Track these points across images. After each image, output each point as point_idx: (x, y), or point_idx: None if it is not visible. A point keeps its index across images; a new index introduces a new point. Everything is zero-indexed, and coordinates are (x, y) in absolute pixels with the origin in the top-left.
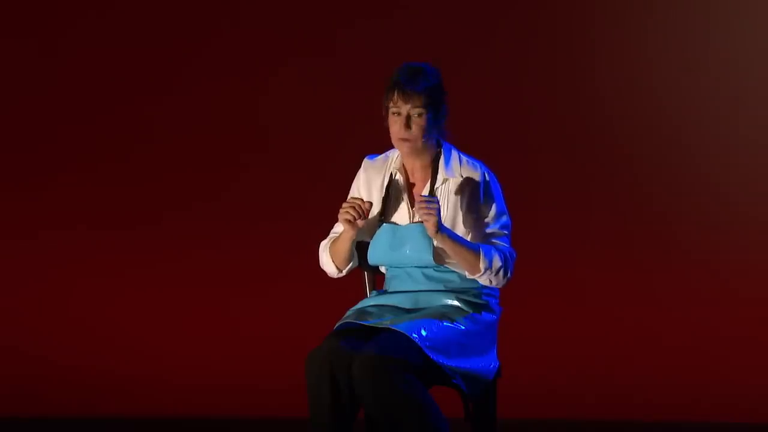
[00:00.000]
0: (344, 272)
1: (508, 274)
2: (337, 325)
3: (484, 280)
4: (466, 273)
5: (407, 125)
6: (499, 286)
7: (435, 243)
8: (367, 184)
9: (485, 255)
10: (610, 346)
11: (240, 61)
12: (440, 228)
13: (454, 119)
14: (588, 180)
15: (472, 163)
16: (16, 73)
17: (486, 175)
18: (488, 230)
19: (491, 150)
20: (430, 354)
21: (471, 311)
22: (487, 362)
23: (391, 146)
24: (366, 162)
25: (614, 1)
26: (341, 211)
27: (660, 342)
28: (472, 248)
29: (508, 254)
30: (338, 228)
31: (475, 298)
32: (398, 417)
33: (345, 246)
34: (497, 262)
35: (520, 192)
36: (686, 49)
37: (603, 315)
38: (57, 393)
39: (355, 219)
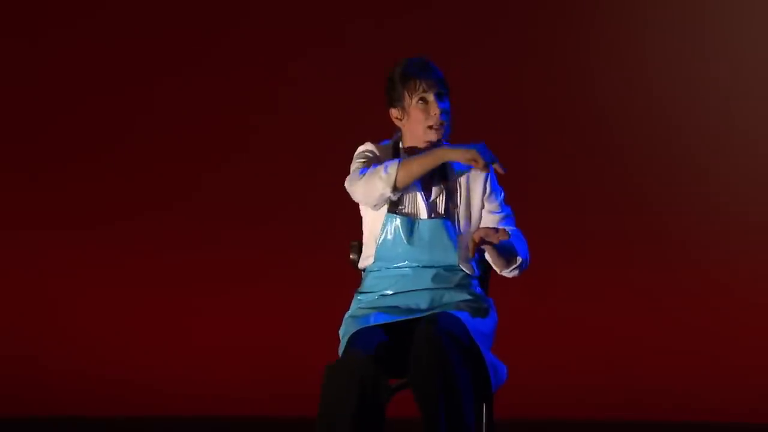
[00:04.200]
0: (395, 196)
1: (528, 261)
2: (349, 332)
3: (512, 273)
4: (498, 268)
5: (440, 109)
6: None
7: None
8: (382, 158)
9: (520, 251)
10: (610, 346)
11: (232, 59)
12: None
13: None
14: (585, 180)
15: None
16: None
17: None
18: (500, 215)
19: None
20: (475, 338)
21: (486, 306)
22: (497, 361)
23: (382, 140)
24: (371, 143)
25: None
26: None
27: (659, 342)
28: (508, 245)
29: (525, 241)
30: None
31: (482, 300)
32: (446, 398)
33: (431, 165)
34: (526, 254)
35: (516, 191)
36: (683, 48)
37: (602, 315)
38: (47, 394)
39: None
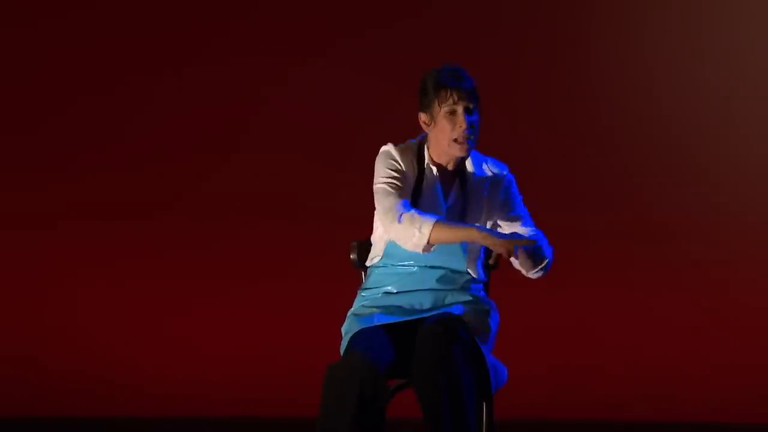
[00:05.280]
0: (423, 252)
1: (552, 260)
2: (351, 330)
3: (538, 274)
4: (525, 269)
5: (467, 124)
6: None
7: (468, 249)
8: (405, 165)
9: (546, 252)
10: (609, 346)
11: (232, 59)
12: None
13: None
14: (585, 179)
15: (497, 163)
16: None
17: (508, 172)
18: (519, 217)
19: (485, 149)
20: (477, 339)
21: (488, 308)
22: (498, 362)
23: (401, 140)
24: (392, 146)
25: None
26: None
27: (659, 342)
28: (538, 248)
29: (547, 240)
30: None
31: (484, 302)
32: (450, 398)
33: (462, 240)
34: (550, 254)
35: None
36: (683, 48)
37: (602, 315)
38: (47, 394)
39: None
